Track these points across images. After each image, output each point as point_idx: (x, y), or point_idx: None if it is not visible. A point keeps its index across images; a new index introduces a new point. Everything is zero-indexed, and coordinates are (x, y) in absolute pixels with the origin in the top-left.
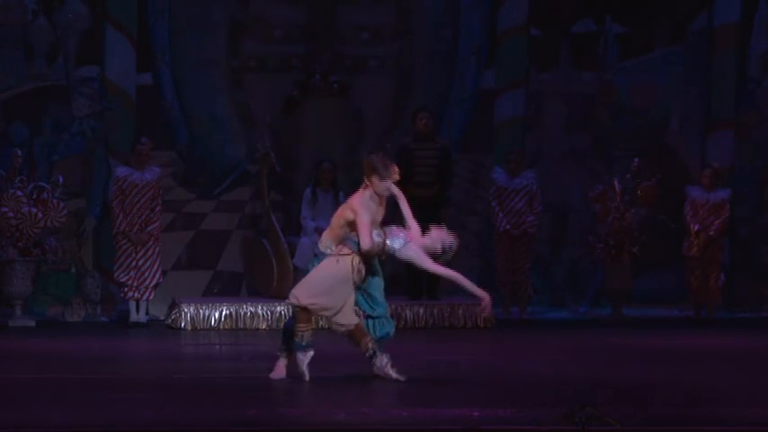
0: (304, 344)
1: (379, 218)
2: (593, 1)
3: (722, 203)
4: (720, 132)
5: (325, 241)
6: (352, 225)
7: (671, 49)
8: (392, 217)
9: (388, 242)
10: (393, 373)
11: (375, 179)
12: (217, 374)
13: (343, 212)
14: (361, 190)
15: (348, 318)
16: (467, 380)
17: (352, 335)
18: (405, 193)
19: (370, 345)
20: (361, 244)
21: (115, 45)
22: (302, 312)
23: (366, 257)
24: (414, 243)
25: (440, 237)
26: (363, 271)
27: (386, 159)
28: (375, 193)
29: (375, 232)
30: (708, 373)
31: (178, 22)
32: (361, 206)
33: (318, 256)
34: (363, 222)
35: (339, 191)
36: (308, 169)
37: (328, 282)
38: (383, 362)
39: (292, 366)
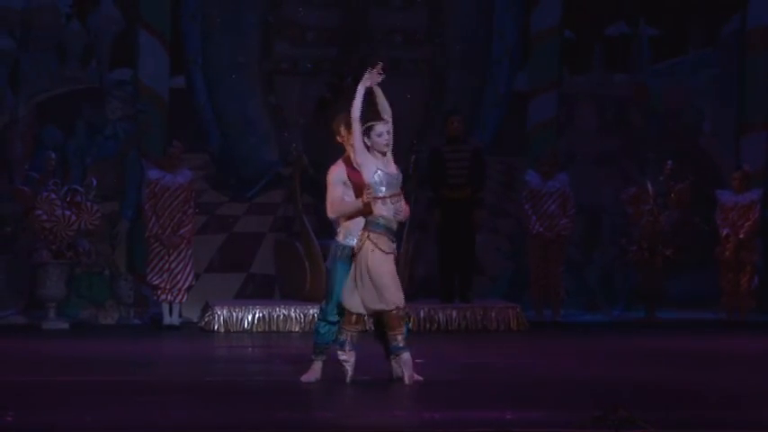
0: (356, 342)
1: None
2: (627, 3)
3: (751, 205)
4: (753, 134)
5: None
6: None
7: (704, 52)
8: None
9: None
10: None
11: (345, 132)
12: (249, 377)
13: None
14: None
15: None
16: (499, 382)
17: (392, 318)
18: (437, 194)
19: (400, 337)
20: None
21: (148, 48)
22: (352, 315)
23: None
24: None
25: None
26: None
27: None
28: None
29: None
30: (741, 375)
31: (211, 25)
32: (332, 176)
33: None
34: (329, 179)
35: None
36: None
37: (384, 270)
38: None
39: (325, 370)
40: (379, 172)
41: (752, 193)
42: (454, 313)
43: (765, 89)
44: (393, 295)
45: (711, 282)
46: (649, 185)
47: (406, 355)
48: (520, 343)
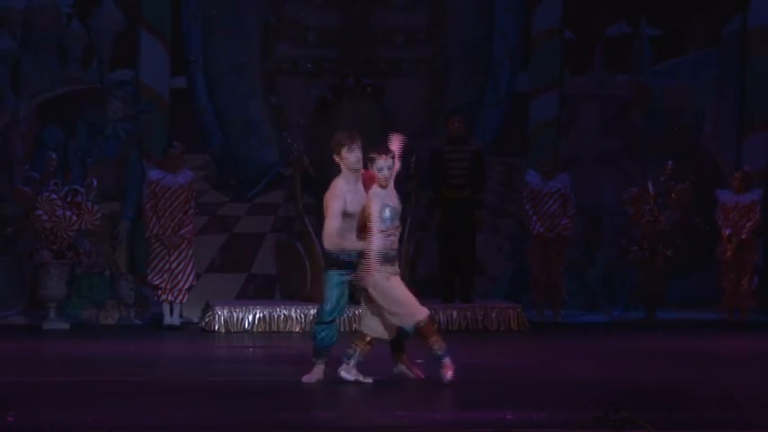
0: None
1: (358, 207)
2: (627, 3)
3: (752, 205)
4: (755, 135)
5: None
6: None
7: (705, 52)
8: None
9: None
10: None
11: (344, 152)
12: (250, 377)
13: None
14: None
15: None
16: (500, 383)
17: (424, 329)
18: (438, 194)
19: (436, 345)
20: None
21: (149, 49)
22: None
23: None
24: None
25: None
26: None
27: (351, 132)
28: (348, 170)
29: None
30: (741, 375)
31: (212, 25)
32: (332, 195)
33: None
34: (330, 211)
35: None
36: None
37: (401, 291)
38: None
39: (326, 371)
40: (387, 209)
41: (752, 193)
42: (455, 313)
43: (766, 89)
44: (418, 310)
45: (712, 282)
46: (650, 186)
47: (446, 360)
48: (520, 343)
